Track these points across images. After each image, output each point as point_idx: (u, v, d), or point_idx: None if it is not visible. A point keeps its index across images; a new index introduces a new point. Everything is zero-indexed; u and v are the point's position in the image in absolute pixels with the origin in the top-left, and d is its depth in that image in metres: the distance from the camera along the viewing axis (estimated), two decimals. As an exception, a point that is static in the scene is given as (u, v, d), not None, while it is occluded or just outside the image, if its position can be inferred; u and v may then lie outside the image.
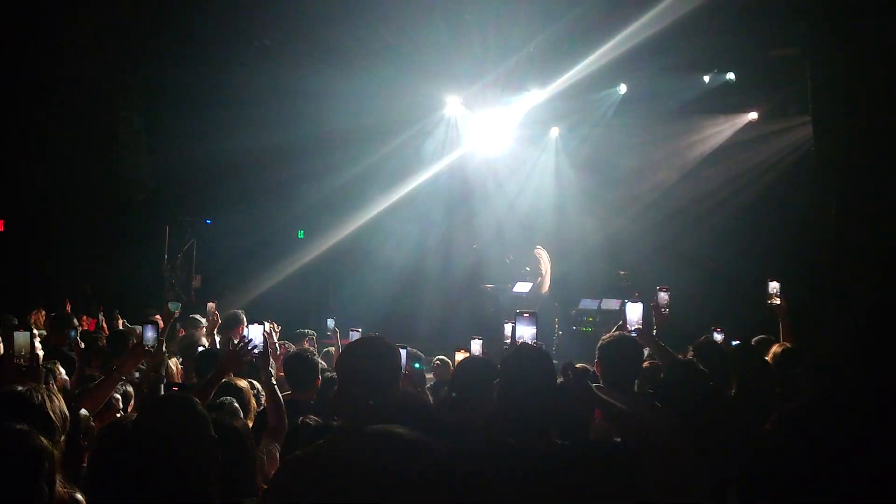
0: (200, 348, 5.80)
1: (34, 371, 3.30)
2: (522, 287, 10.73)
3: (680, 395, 3.49)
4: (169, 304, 6.03)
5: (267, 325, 6.78)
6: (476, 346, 4.64)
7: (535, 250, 10.89)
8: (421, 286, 12.52)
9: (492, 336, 6.13)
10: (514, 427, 2.79)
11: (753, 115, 11.60)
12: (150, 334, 4.25)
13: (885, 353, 4.35)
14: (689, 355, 4.68)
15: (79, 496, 2.41)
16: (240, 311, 6.79)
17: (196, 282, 12.75)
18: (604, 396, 2.89)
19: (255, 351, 4.18)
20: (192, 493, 1.88)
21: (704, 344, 4.96)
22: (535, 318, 3.15)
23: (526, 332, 3.08)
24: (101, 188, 11.48)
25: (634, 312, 4.04)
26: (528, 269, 10.87)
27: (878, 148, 6.63)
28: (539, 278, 10.72)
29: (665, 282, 4.64)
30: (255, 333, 4.36)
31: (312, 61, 10.91)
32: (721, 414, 3.63)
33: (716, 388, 3.89)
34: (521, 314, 3.13)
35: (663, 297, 4.44)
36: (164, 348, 4.34)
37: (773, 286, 4.97)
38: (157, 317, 6.66)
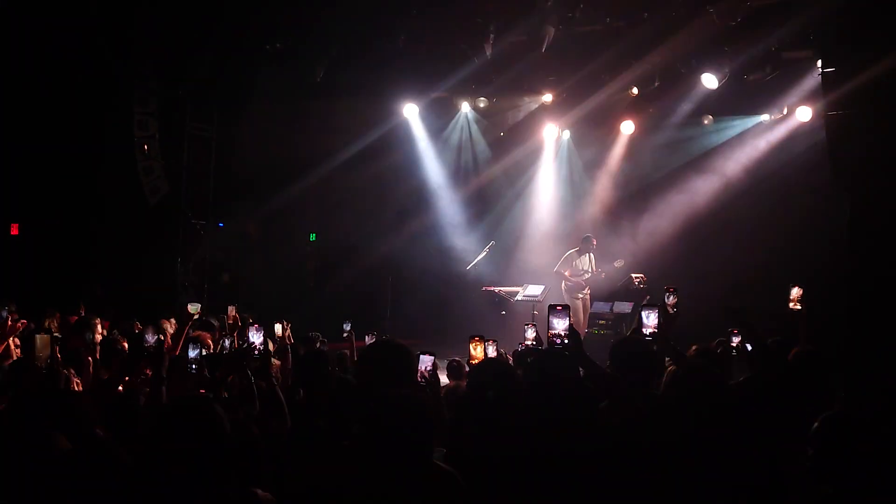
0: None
1: (55, 373, 3.35)
2: (534, 290, 10.70)
3: (695, 398, 3.48)
4: (189, 306, 6.00)
5: (279, 325, 6.83)
6: (491, 349, 4.67)
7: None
8: (433, 288, 12.51)
9: (504, 339, 6.13)
10: (541, 430, 2.81)
11: (766, 118, 11.56)
12: (148, 336, 4.24)
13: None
14: (691, 352, 4.71)
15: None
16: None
17: (225, 278, 12.75)
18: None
19: (256, 353, 4.20)
20: (208, 485, 1.96)
21: (706, 347, 4.98)
22: (567, 312, 3.42)
23: (559, 325, 3.33)
24: (115, 192, 11.54)
25: (650, 316, 4.08)
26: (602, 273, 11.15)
27: (892, 148, 6.61)
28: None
29: (681, 285, 4.65)
30: (255, 336, 4.37)
31: (324, 60, 10.98)
32: (735, 416, 3.62)
33: (729, 391, 3.88)
34: (554, 307, 3.41)
35: (670, 298, 4.48)
36: (164, 350, 4.31)
37: (796, 292, 4.96)
38: (164, 321, 6.69)
